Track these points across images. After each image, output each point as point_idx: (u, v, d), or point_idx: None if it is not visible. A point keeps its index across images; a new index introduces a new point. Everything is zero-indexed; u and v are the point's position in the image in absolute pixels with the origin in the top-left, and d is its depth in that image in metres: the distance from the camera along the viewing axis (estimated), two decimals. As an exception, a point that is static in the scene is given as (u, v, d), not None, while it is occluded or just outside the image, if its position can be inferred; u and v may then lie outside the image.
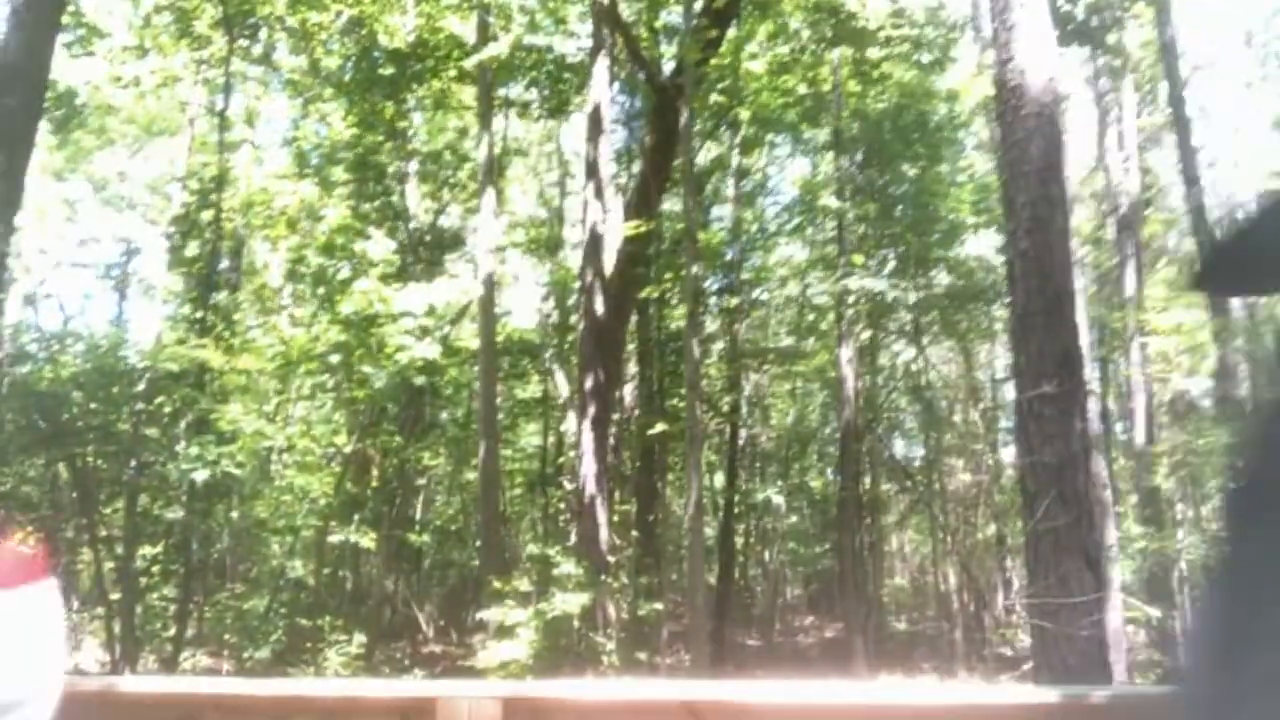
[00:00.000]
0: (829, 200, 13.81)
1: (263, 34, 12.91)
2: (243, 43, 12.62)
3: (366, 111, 12.38)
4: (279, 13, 12.12)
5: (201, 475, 8.37)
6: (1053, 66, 5.41)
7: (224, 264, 14.54)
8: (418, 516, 14.22)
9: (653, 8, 12.20)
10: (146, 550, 10.43)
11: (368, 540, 10.55)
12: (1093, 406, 8.01)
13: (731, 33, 11.74)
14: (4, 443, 9.21)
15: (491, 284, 11.06)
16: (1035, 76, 5.25)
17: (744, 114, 13.69)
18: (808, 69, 12.85)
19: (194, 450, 8.61)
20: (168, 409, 9.69)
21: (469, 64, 11.17)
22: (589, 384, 10.87)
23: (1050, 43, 5.45)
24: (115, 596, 9.74)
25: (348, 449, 10.89)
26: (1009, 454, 15.74)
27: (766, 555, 17.53)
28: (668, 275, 11.92)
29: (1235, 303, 11.69)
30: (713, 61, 11.44)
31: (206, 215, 12.97)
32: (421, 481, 14.42)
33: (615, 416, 12.73)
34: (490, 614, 8.50)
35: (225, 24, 11.97)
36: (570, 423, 12.59)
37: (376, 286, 9.52)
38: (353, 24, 12.17)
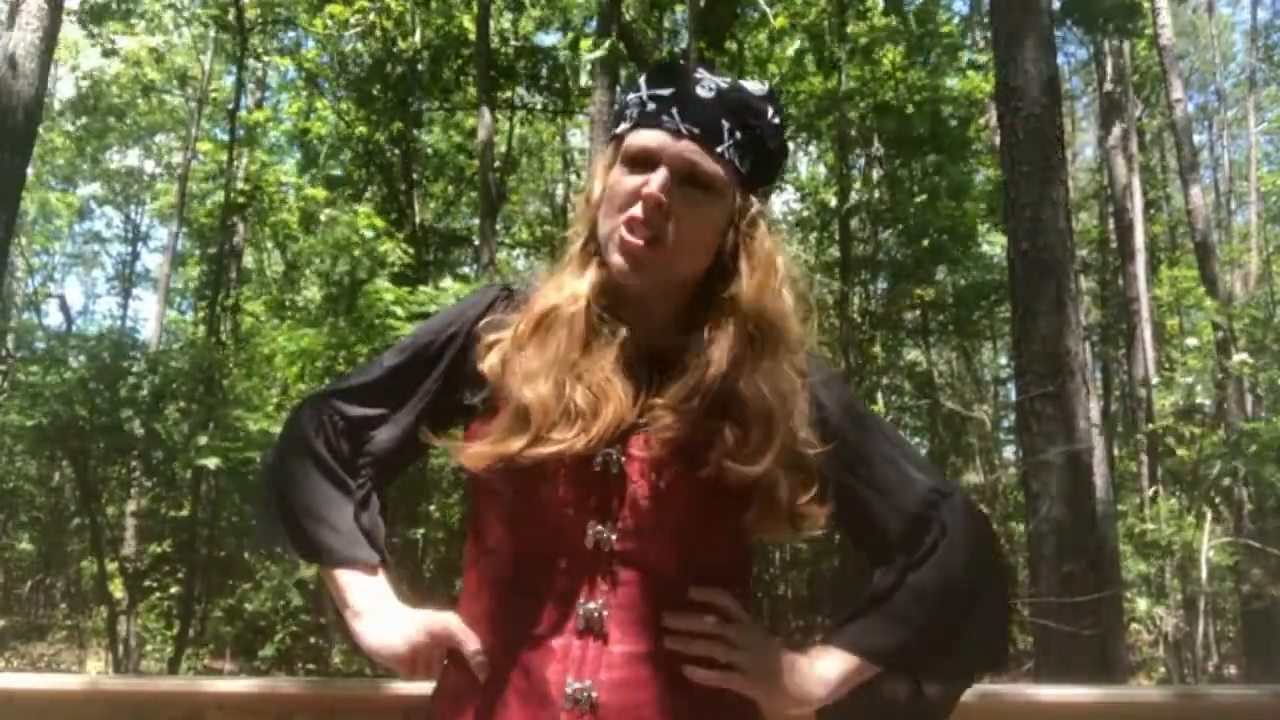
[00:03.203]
0: (834, 197, 13.77)
1: (275, 32, 12.95)
2: (254, 41, 12.64)
3: (375, 110, 12.40)
4: (292, 14, 12.15)
5: (212, 463, 8.30)
6: (1052, 66, 5.42)
7: (232, 261, 14.56)
8: (424, 514, 14.22)
9: (656, 7, 12.19)
10: (151, 549, 10.45)
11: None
12: (1093, 406, 8.02)
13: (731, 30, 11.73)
14: (8, 442, 9.23)
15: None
16: (1035, 77, 5.26)
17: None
18: (815, 67, 12.80)
19: (202, 440, 8.58)
20: (174, 408, 9.69)
21: (476, 64, 11.19)
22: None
23: (1050, 43, 5.46)
24: (118, 595, 9.76)
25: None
26: (1010, 453, 15.76)
27: (766, 555, 17.46)
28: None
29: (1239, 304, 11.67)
30: (716, 62, 11.42)
31: (216, 213, 12.99)
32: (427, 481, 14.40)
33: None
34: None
35: (238, 22, 11.99)
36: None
37: (387, 285, 9.52)
38: (363, 21, 12.20)
